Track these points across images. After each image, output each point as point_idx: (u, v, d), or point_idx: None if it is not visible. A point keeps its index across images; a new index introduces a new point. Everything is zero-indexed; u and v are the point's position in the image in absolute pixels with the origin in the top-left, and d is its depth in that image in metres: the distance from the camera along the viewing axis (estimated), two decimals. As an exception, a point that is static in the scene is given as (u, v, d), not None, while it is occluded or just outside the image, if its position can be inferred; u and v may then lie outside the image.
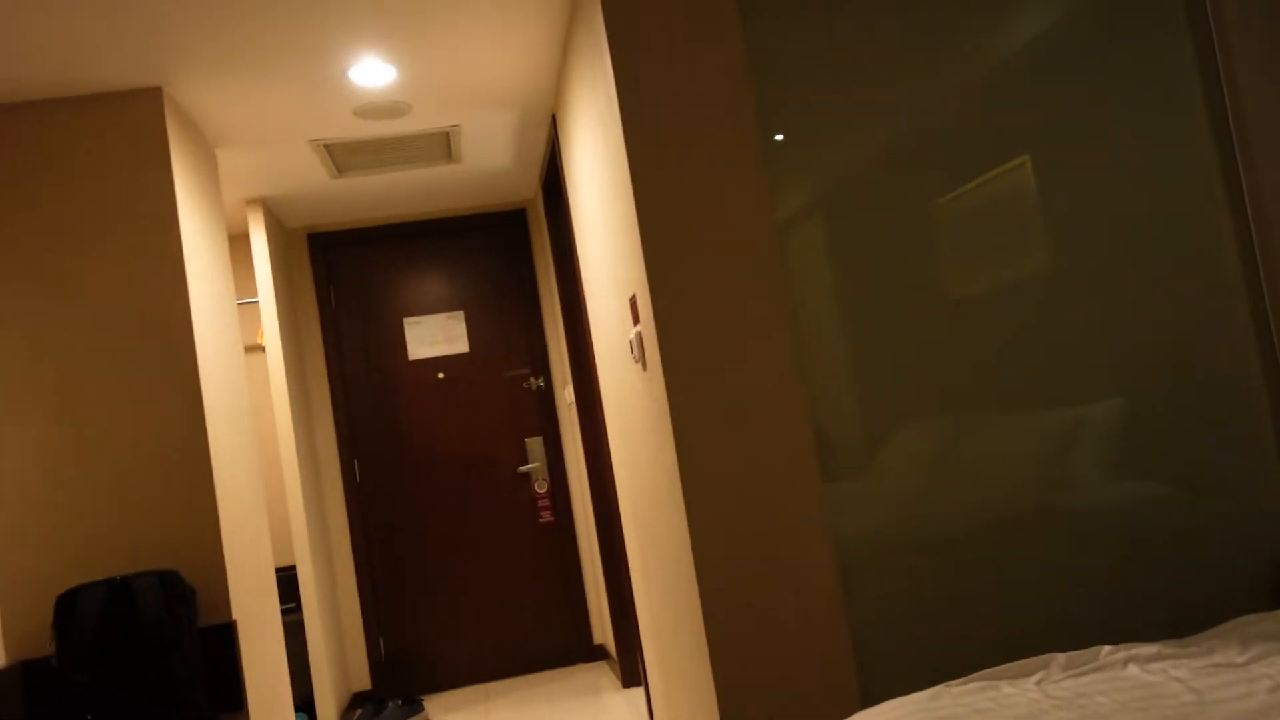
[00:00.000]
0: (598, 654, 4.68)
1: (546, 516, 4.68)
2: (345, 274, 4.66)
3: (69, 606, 2.48)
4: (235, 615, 2.75)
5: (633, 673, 4.10)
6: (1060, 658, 1.53)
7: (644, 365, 2.41)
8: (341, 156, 3.67)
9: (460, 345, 4.68)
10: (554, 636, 4.67)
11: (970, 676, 1.52)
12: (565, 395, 4.61)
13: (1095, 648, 1.55)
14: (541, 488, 4.69)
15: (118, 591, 2.49)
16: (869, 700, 2.28)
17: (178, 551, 2.72)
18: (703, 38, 2.27)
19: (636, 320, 2.41)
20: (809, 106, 2.36)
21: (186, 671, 2.46)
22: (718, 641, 2.19)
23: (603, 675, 4.41)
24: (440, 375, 4.66)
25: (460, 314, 4.70)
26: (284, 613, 4.16)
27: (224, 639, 2.70)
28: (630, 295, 2.44)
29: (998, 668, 1.54)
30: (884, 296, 2.35)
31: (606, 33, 2.25)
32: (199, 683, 2.50)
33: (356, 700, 4.50)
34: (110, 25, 2.40)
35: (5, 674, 2.52)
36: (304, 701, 4.18)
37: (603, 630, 4.58)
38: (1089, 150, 2.39)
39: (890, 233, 2.36)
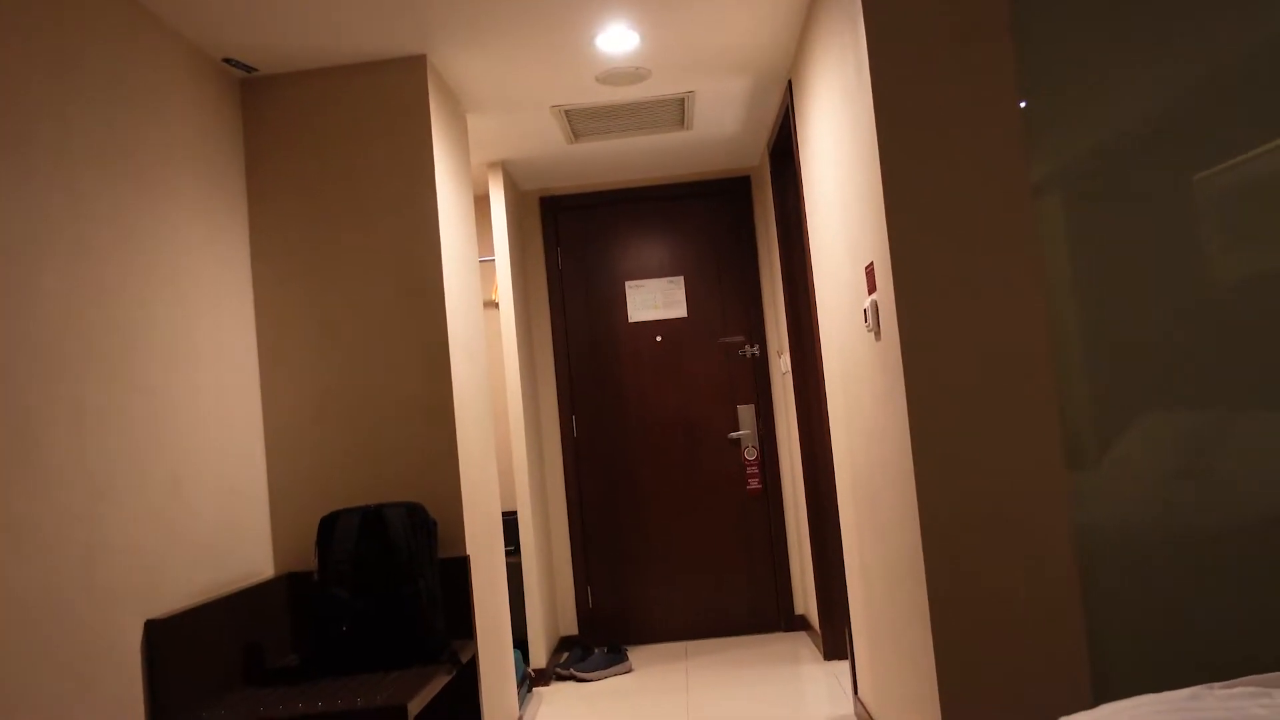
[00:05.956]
0: (797, 624, 4.68)
1: (754, 484, 4.71)
2: (572, 236, 4.84)
3: (330, 527, 2.74)
4: (469, 550, 2.95)
5: (836, 645, 4.07)
6: (1346, 672, 1.40)
7: (877, 335, 2.37)
8: (579, 122, 3.80)
9: (679, 310, 4.77)
10: (754, 603, 4.71)
11: (1235, 680, 1.42)
12: (780, 364, 4.60)
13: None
14: (751, 455, 4.71)
15: (371, 518, 2.73)
16: (1100, 696, 2.17)
17: (421, 487, 2.95)
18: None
19: (872, 289, 2.37)
20: (1065, 69, 2.23)
21: (429, 595, 2.67)
22: (942, 622, 2.14)
23: (802, 645, 4.41)
24: (658, 338, 4.77)
25: (680, 279, 4.78)
26: (505, 554, 4.42)
27: (459, 571, 2.91)
28: (867, 263, 2.41)
29: (1268, 674, 1.43)
30: (1138, 277, 2.20)
31: (860, -6, 2.21)
32: (439, 607, 2.71)
33: (564, 644, 4.72)
34: (388, -4, 2.59)
35: (274, 583, 2.83)
36: (518, 640, 4.43)
37: (805, 601, 4.57)
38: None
39: (1148, 209, 2.20)
